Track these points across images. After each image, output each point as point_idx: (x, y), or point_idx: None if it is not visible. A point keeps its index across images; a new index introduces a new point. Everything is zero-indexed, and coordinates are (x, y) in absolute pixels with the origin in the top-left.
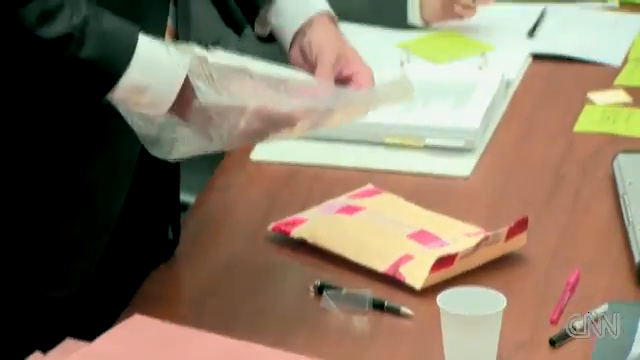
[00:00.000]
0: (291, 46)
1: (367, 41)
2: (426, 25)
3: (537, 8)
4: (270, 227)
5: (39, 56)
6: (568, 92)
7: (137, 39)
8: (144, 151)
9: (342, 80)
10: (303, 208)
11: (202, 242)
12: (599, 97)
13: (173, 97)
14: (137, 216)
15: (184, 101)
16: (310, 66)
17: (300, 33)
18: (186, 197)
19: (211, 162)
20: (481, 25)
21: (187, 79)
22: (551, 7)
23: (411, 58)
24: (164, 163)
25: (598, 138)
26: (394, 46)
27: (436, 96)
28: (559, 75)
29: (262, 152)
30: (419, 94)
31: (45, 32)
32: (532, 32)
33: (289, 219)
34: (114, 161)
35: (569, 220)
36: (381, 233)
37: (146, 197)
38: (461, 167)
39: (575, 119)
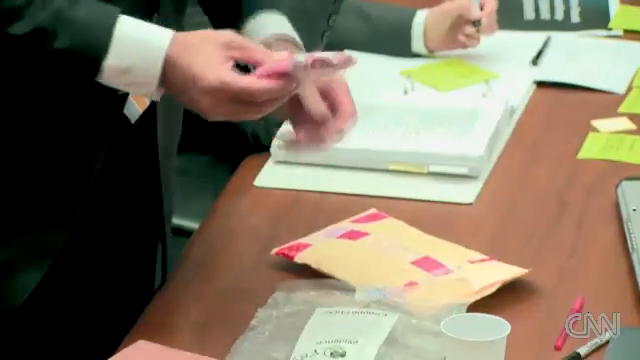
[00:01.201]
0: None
1: (371, 69)
2: (430, 54)
3: (541, 36)
4: (274, 252)
5: (14, 51)
6: (572, 119)
7: (115, 23)
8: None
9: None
10: (306, 234)
11: (205, 267)
12: (603, 125)
13: (157, 75)
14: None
15: (171, 77)
16: None
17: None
18: (189, 223)
19: (214, 189)
20: (485, 53)
21: (170, 56)
22: (555, 35)
23: (415, 86)
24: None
25: (602, 165)
26: (398, 74)
27: (440, 123)
28: (563, 102)
29: (265, 178)
30: (423, 121)
31: (14, 29)
32: (536, 60)
33: (293, 244)
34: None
35: (573, 246)
36: (385, 259)
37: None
38: (465, 193)
39: (579, 146)
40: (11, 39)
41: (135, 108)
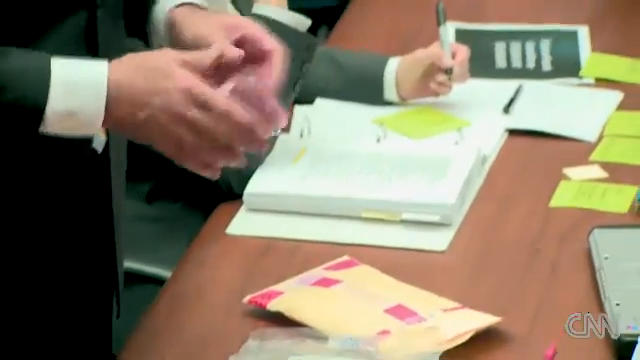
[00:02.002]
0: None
1: (344, 117)
2: (402, 101)
3: (513, 84)
4: (246, 300)
5: None
6: (544, 167)
7: (49, 67)
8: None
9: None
10: (279, 282)
11: (177, 316)
12: (575, 173)
13: (101, 113)
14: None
15: (117, 113)
16: None
17: (172, 26)
18: (162, 271)
19: (187, 236)
20: (457, 101)
21: (110, 92)
22: (527, 83)
23: (387, 134)
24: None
25: (574, 213)
26: (370, 122)
27: (413, 171)
28: (535, 150)
29: (238, 226)
30: (395, 169)
31: None
32: (508, 108)
33: (265, 292)
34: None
35: (546, 294)
36: (358, 307)
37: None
38: (438, 241)
39: (551, 194)
40: None
41: (99, 139)
